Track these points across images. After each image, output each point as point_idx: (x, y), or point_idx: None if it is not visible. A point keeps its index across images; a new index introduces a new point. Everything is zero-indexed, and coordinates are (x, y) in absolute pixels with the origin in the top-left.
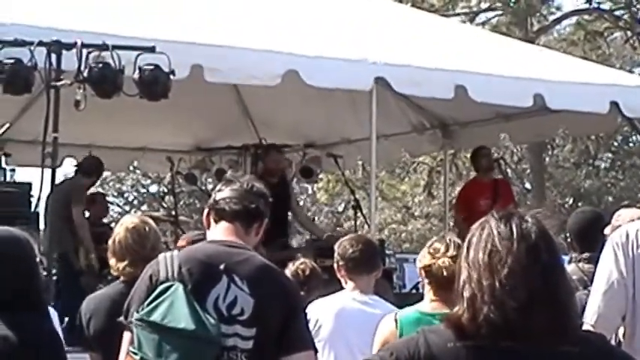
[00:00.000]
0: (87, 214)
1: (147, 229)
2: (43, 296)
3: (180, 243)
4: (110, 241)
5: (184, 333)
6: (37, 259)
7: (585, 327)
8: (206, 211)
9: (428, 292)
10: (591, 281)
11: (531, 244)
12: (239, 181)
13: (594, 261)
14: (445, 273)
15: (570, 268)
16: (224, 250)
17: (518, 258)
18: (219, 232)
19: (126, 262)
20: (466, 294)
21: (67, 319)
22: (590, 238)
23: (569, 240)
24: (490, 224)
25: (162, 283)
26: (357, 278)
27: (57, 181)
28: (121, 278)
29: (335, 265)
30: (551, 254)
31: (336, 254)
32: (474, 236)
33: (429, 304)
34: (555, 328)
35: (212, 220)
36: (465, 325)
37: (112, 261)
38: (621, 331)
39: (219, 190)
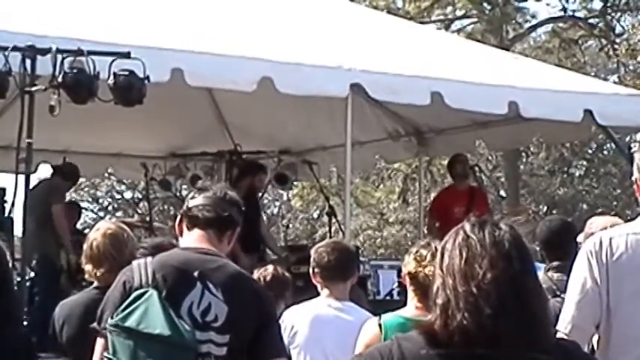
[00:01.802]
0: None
1: (125, 235)
2: (16, 305)
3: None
4: (86, 247)
5: (160, 338)
6: (10, 266)
7: (559, 335)
8: (178, 218)
9: (412, 299)
10: (560, 290)
11: (504, 252)
12: (212, 189)
13: (564, 269)
14: (431, 281)
15: (540, 277)
16: (198, 257)
17: (491, 265)
18: (192, 239)
19: (103, 269)
20: (439, 301)
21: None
22: (558, 247)
23: (538, 248)
24: (465, 231)
25: (136, 289)
26: (332, 286)
27: (32, 185)
28: (95, 284)
29: (311, 271)
30: (523, 262)
31: (312, 260)
32: (448, 243)
33: (413, 310)
34: (528, 336)
35: (185, 228)
36: (438, 332)
37: (89, 267)
38: (595, 339)
39: (192, 198)
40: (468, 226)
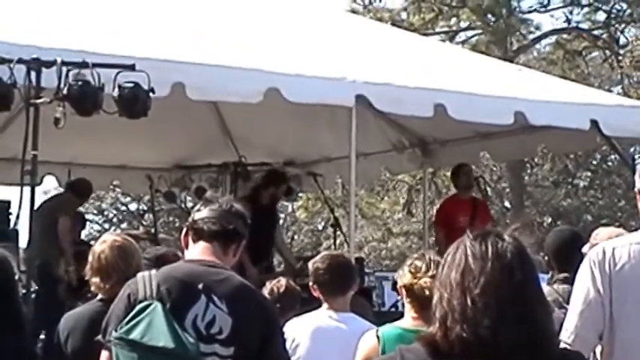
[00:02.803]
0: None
1: (132, 247)
2: (22, 316)
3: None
4: (92, 259)
5: (164, 351)
6: (16, 278)
7: (562, 346)
8: (184, 230)
9: (409, 311)
10: (566, 301)
11: (505, 263)
12: (218, 202)
13: (570, 281)
14: (427, 292)
15: (545, 289)
16: (202, 270)
17: (492, 276)
18: (197, 251)
19: (112, 281)
20: (438, 313)
21: (43, 332)
22: (568, 258)
23: (546, 259)
24: (465, 244)
25: (140, 302)
26: (331, 299)
27: (44, 198)
28: (99, 296)
29: (310, 285)
30: (526, 273)
31: (310, 274)
32: (448, 255)
33: (410, 321)
34: (529, 346)
35: (190, 240)
36: (439, 343)
37: (96, 279)
38: (599, 349)
39: (198, 210)
40: (468, 240)
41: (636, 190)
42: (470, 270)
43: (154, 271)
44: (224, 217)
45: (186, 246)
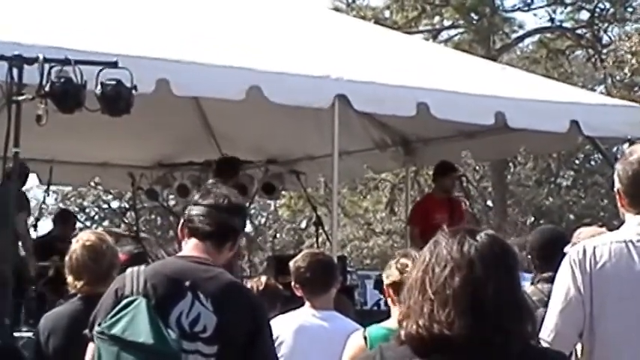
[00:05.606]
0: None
1: (103, 246)
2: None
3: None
4: (67, 258)
5: (143, 347)
6: None
7: (542, 344)
8: (181, 223)
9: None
10: None
11: (468, 261)
12: (216, 195)
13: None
14: None
15: (530, 289)
16: (191, 267)
17: (452, 272)
18: (190, 248)
19: (83, 281)
20: (415, 313)
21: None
22: (552, 257)
23: (530, 257)
24: (439, 243)
25: (127, 297)
26: (313, 298)
27: None
28: (79, 295)
29: (292, 284)
30: (490, 270)
31: (291, 274)
32: (422, 255)
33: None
34: (509, 344)
35: (186, 234)
36: (417, 342)
37: (70, 278)
38: (579, 347)
39: (195, 204)
40: (443, 239)
41: (615, 189)
42: (434, 266)
43: (142, 267)
44: (220, 216)
45: (182, 238)
